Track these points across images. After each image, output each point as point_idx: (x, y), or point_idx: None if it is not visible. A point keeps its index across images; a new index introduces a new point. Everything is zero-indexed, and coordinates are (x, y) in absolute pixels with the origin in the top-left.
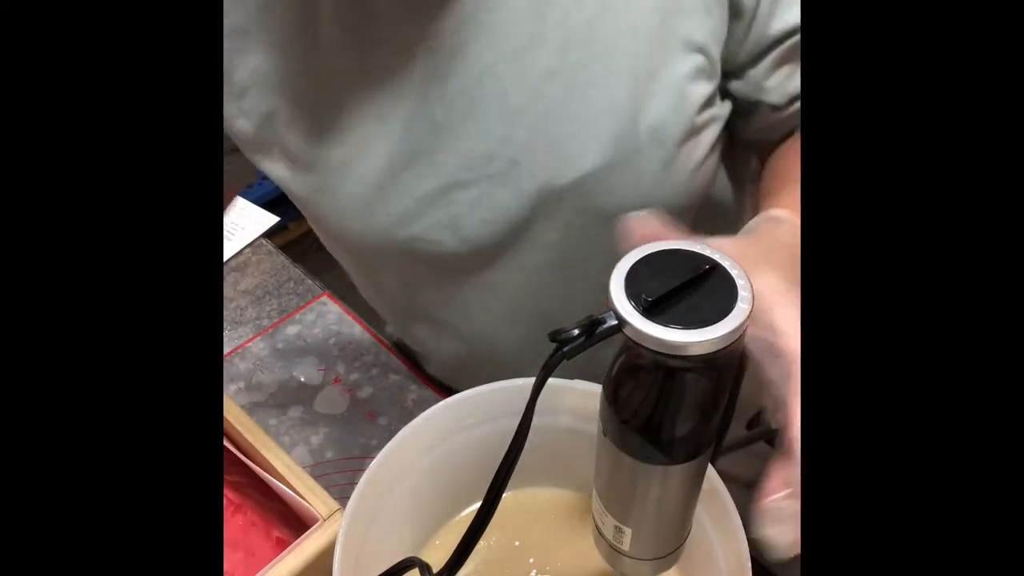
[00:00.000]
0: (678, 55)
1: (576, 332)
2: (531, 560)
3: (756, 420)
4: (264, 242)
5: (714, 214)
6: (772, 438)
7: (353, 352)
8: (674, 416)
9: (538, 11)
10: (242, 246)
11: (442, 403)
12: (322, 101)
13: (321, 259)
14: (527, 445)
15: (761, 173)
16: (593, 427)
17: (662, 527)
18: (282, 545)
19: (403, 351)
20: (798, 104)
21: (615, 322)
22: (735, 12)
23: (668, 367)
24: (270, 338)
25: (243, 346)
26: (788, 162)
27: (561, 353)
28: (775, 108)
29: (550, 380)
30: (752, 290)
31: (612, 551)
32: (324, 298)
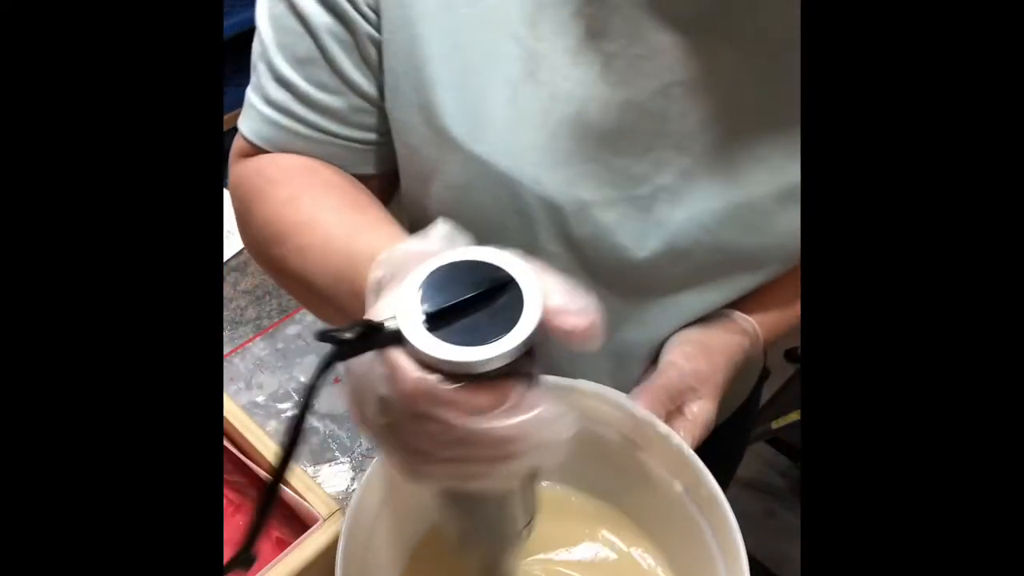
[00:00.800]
0: None
1: (348, 336)
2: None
3: (756, 420)
4: None
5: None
6: (772, 438)
7: None
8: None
9: None
10: (242, 245)
11: None
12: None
13: None
14: None
15: None
16: (594, 427)
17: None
18: (282, 545)
19: None
20: None
21: (394, 329)
22: None
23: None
24: (270, 338)
25: (243, 346)
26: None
27: (337, 354)
28: None
29: (551, 380)
30: (540, 318)
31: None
32: None
